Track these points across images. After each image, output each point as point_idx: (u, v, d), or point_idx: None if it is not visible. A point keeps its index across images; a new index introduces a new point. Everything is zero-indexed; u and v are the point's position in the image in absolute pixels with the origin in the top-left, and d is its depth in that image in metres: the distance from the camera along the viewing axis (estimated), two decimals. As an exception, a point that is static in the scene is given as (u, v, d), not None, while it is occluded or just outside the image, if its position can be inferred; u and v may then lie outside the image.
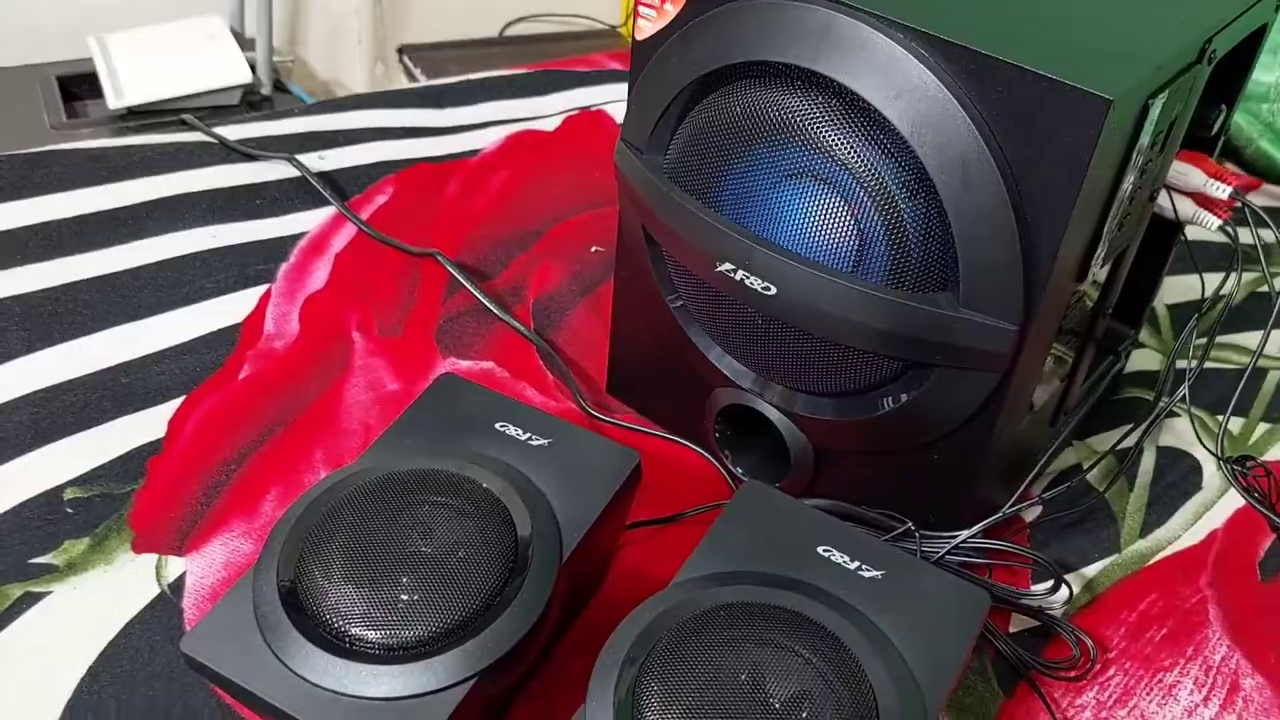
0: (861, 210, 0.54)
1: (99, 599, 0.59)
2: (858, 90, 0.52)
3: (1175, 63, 0.53)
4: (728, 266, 0.59)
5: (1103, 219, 0.54)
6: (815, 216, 0.56)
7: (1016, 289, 0.53)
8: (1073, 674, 0.61)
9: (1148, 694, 0.60)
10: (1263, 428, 0.78)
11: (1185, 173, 0.63)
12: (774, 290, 0.58)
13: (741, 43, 0.56)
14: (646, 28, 0.61)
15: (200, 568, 0.61)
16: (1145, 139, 0.52)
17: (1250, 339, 0.86)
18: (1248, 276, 0.92)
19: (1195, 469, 0.75)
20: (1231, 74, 0.63)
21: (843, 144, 0.54)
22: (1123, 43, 0.52)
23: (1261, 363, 0.84)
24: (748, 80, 0.57)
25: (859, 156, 0.53)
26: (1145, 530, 0.70)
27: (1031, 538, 0.69)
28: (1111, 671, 0.61)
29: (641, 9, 0.61)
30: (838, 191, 0.55)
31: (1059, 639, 0.63)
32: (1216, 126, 0.64)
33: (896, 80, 0.51)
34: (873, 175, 0.53)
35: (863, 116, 0.53)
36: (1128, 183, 0.54)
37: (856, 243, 0.55)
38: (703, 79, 0.59)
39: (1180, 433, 0.77)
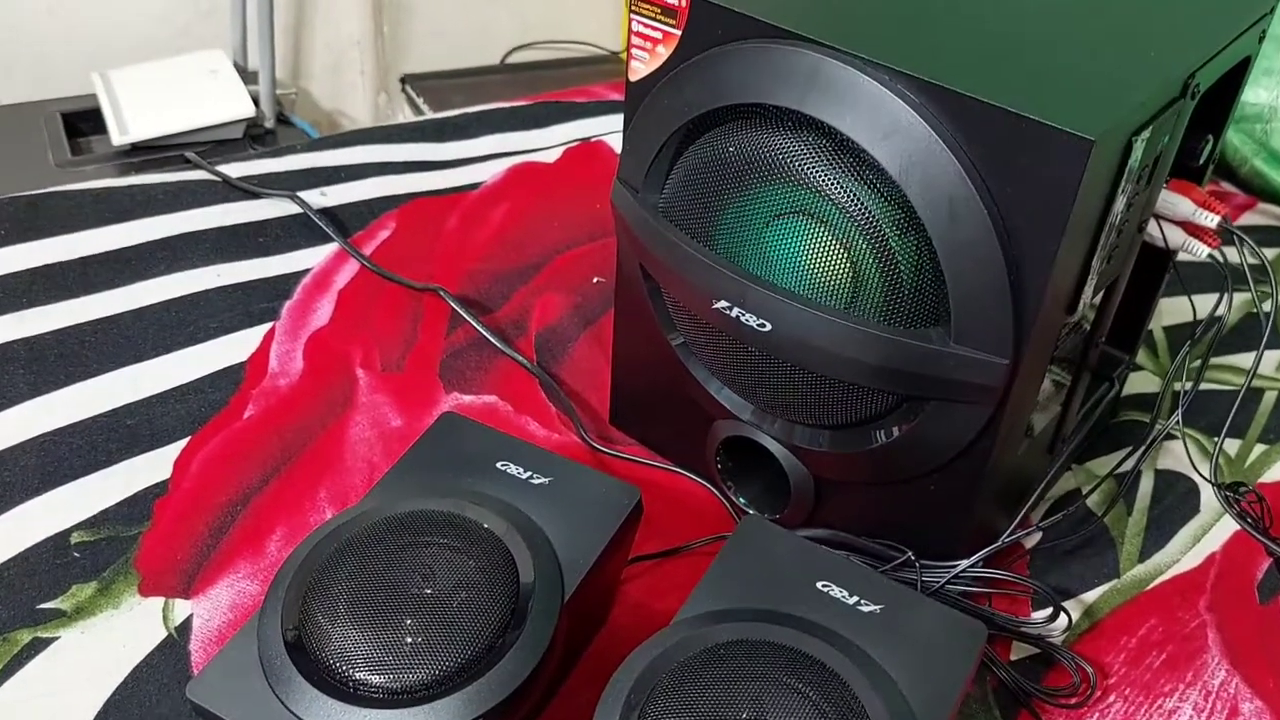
0: (853, 248, 0.55)
1: (107, 643, 0.60)
2: (846, 132, 0.53)
3: (1158, 99, 0.53)
4: (723, 304, 0.60)
5: (1090, 253, 0.55)
6: (809, 254, 0.57)
7: (1006, 324, 0.53)
8: (1073, 701, 0.61)
9: (1148, 720, 0.61)
10: (1259, 449, 0.79)
11: (1174, 202, 0.63)
12: (769, 327, 0.58)
13: (732, 85, 0.57)
14: (639, 69, 0.62)
15: (207, 610, 0.62)
16: (1129, 175, 0.53)
17: (1247, 360, 0.86)
18: (1243, 297, 0.92)
19: (1193, 491, 0.75)
20: (1217, 104, 0.64)
21: (833, 183, 0.55)
22: (1106, 80, 0.53)
23: (1258, 383, 0.85)
24: (739, 121, 0.58)
25: (850, 195, 0.54)
26: (1144, 555, 0.70)
27: (1031, 564, 0.69)
28: (1112, 699, 0.62)
29: (634, 51, 0.62)
30: (830, 229, 0.56)
31: (1059, 666, 0.63)
32: (1204, 156, 0.64)
33: (883, 121, 0.52)
34: (863, 213, 0.54)
35: (852, 157, 0.54)
36: (1114, 217, 0.55)
37: (849, 279, 0.56)
38: (696, 119, 0.60)
39: (1179, 455, 0.77)
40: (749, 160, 0.57)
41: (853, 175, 0.54)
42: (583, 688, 0.60)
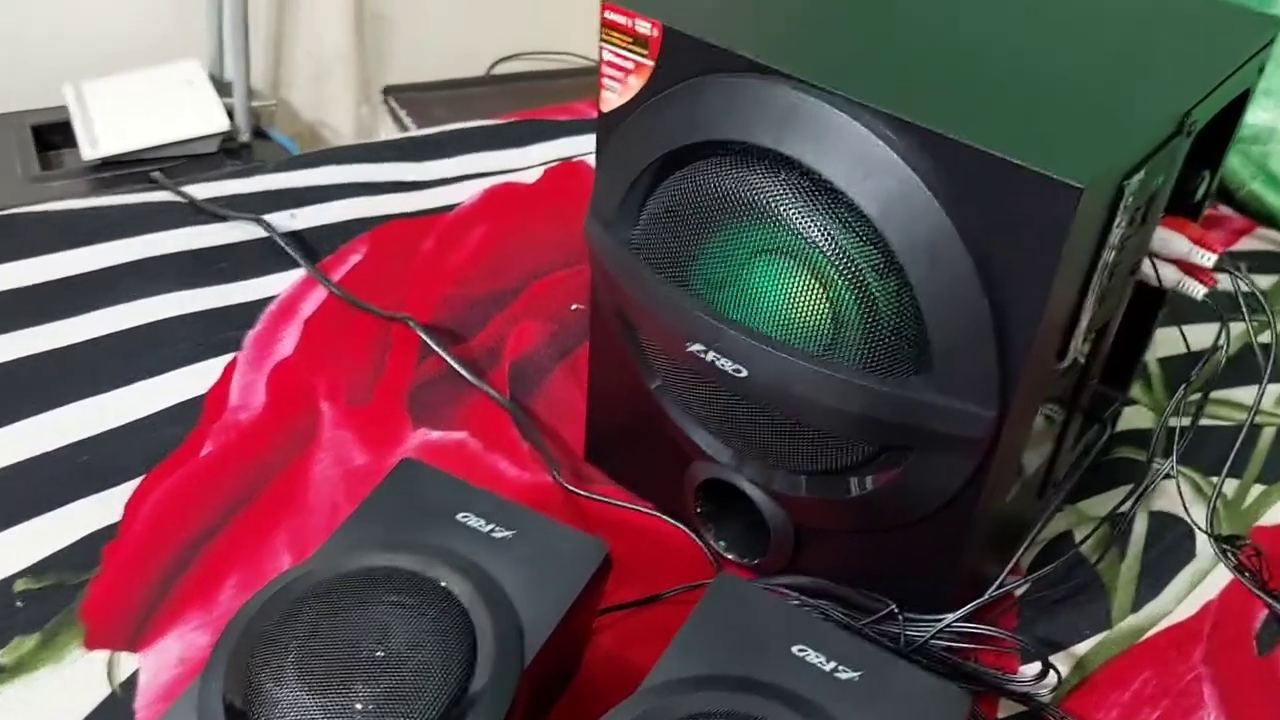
0: (832, 290, 0.52)
1: (48, 701, 0.57)
2: (824, 172, 0.50)
3: (1152, 138, 0.51)
4: (698, 347, 0.57)
5: (1081, 298, 0.52)
6: (786, 296, 0.54)
7: (992, 373, 0.51)
8: (1063, 763, 0.59)
9: (1141, 784, 0.58)
10: (1257, 489, 0.76)
11: (1168, 240, 0.61)
12: (745, 372, 0.56)
13: (705, 121, 0.54)
14: (611, 99, 0.59)
15: (155, 663, 0.59)
16: (1121, 218, 0.50)
17: (1243, 393, 0.84)
18: (1241, 328, 0.89)
19: (1188, 535, 0.72)
20: (1215, 137, 0.62)
21: (811, 224, 0.52)
22: (1097, 120, 0.50)
23: (1256, 419, 0.82)
24: (716, 156, 0.55)
25: (828, 237, 0.52)
26: (1138, 604, 0.68)
27: (1020, 614, 0.66)
28: (1103, 759, 0.59)
29: (606, 81, 0.59)
30: (808, 270, 0.53)
31: (1048, 724, 0.60)
32: (1200, 193, 0.62)
33: (863, 162, 0.49)
34: (842, 256, 0.51)
35: (830, 197, 0.51)
36: (1105, 261, 0.52)
37: (829, 324, 0.53)
38: (671, 153, 0.57)
39: (1173, 495, 0.75)
40: (725, 198, 0.54)
41: (831, 216, 0.51)
42: (551, 746, 0.57)
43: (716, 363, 0.56)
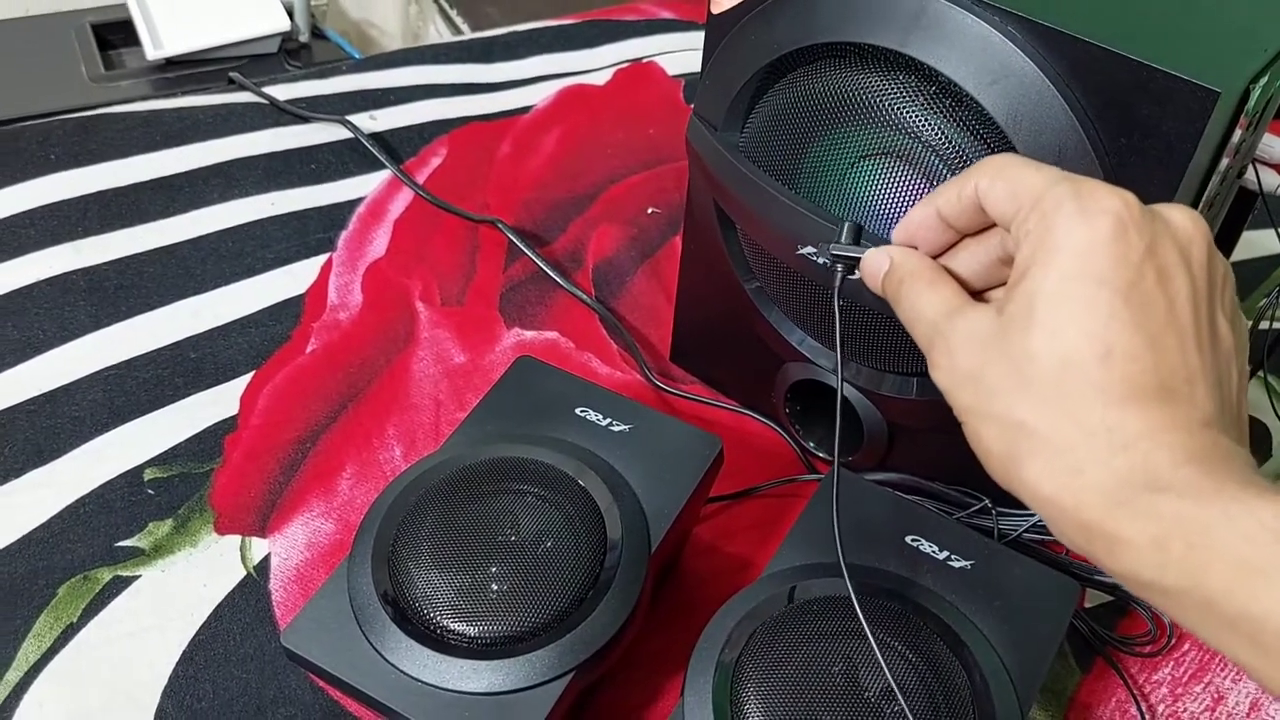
0: (949, 195, 0.53)
1: (187, 582, 0.60)
2: (951, 75, 0.51)
3: (1276, 42, 0.51)
4: (810, 250, 0.58)
5: (1195, 203, 0.53)
6: (901, 200, 0.55)
7: (1108, 276, 0.52)
8: (1148, 649, 0.62)
9: (1222, 670, 0.61)
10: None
11: (1270, 145, 0.61)
12: (858, 274, 0.57)
13: (826, 22, 0.54)
14: (724, 1, 0.59)
15: (284, 549, 0.62)
16: (1244, 122, 0.51)
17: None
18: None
19: (1264, 436, 0.74)
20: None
21: (933, 129, 0.53)
22: (1224, 22, 0.51)
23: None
24: (832, 59, 0.56)
25: (949, 142, 0.52)
26: (1217, 502, 0.70)
27: (1102, 510, 0.69)
28: (1186, 646, 0.62)
29: (718, -18, 0.59)
30: (925, 176, 0.54)
31: (1133, 613, 0.63)
32: (1307, 98, 0.62)
33: (992, 66, 0.50)
34: (963, 161, 0.52)
35: (954, 101, 0.52)
36: (1223, 166, 0.53)
37: (942, 226, 0.54)
38: (783, 56, 0.57)
39: (1253, 398, 0.76)
40: (842, 101, 0.55)
41: (954, 121, 0.52)
42: (656, 634, 0.60)
43: (828, 265, 0.58)
